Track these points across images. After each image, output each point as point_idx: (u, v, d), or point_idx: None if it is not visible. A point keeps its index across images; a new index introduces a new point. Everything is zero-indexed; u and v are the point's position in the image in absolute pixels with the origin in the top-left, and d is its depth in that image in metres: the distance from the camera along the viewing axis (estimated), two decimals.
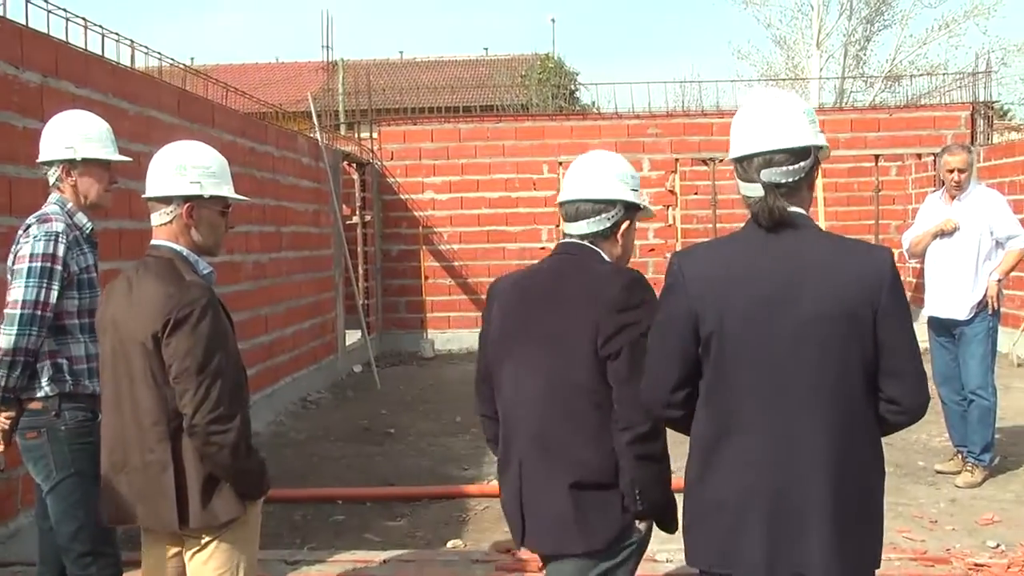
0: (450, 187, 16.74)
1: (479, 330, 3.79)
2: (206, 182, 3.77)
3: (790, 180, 3.02)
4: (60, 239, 4.28)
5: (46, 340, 4.28)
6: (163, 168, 3.76)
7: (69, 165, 4.39)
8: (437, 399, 11.78)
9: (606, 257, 3.57)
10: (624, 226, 3.62)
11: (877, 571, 3.09)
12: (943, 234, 7.77)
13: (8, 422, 4.28)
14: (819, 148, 3.06)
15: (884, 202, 17.21)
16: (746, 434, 3.00)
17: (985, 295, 7.70)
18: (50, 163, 4.39)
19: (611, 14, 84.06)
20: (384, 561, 5.77)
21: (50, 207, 4.39)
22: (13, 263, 4.28)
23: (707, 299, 3.02)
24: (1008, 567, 5.70)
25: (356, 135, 17.58)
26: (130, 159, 4.67)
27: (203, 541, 3.72)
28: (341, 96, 24.30)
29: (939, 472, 7.94)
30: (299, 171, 12.27)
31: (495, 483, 7.87)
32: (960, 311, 7.61)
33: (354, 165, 15.80)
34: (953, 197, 7.83)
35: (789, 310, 2.94)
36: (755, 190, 3.03)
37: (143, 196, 3.80)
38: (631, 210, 3.63)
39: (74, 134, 4.41)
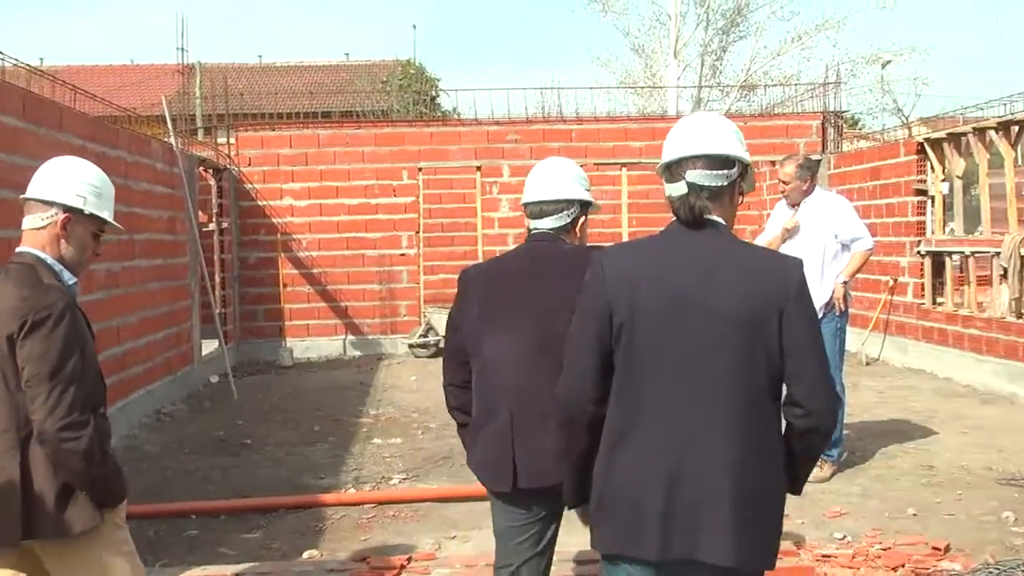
0: (309, 193, 16.60)
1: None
2: (90, 199, 3.79)
3: (713, 184, 3.20)
4: None
5: None
6: (52, 174, 3.77)
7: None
8: (295, 408, 11.66)
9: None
10: (581, 221, 4.19)
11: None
12: (788, 234, 8.04)
13: None
14: (745, 165, 3.28)
15: (740, 208, 17.50)
16: (649, 426, 3.13)
17: (832, 296, 7.95)
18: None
19: (472, 21, 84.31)
20: (236, 575, 5.69)
21: None
22: None
23: (621, 293, 3.17)
24: (853, 557, 5.89)
25: (213, 140, 17.34)
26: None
27: (62, 554, 3.64)
28: (198, 100, 23.91)
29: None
30: (153, 177, 12.03)
31: (352, 492, 7.88)
32: None
33: (210, 171, 15.55)
34: (795, 204, 8.16)
35: (698, 307, 3.10)
36: (679, 189, 3.21)
37: (22, 197, 3.77)
38: (585, 207, 4.19)
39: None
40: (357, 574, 5.68)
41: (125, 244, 10.78)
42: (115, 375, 10.28)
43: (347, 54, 42.64)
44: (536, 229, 4.19)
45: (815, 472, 7.77)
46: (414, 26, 43.81)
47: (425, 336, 16.23)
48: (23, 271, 3.68)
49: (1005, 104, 12.33)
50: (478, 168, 16.89)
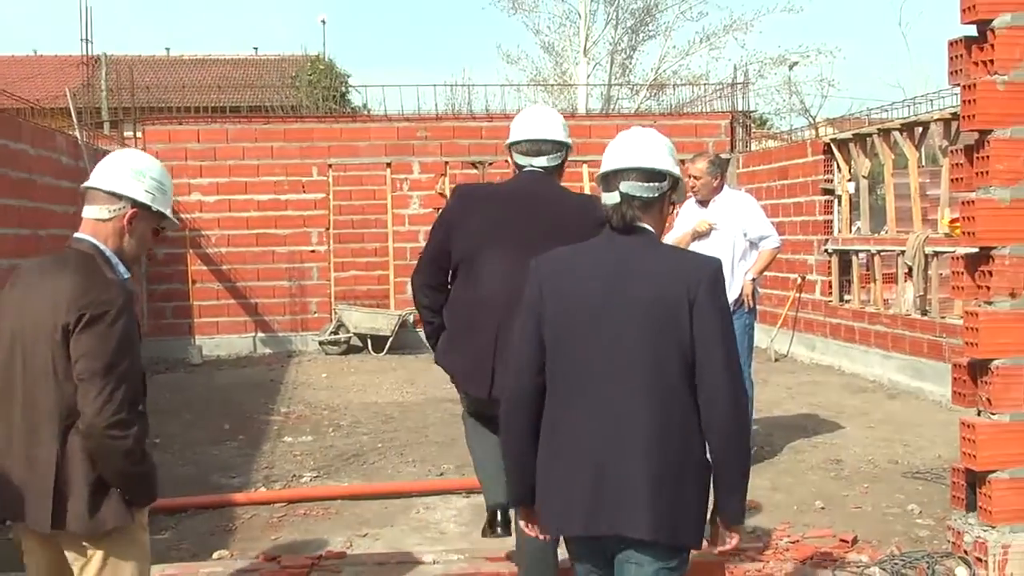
0: (217, 189, 16.40)
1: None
2: (157, 196, 3.84)
3: (643, 195, 3.47)
4: None
5: None
6: (121, 167, 3.81)
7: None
8: (205, 406, 11.51)
9: None
10: (564, 165, 4.87)
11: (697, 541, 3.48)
12: (699, 236, 8.11)
13: None
14: (676, 179, 3.55)
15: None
16: (575, 413, 3.42)
17: (741, 293, 8.05)
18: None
19: (381, 16, 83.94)
20: None
21: None
22: None
23: (549, 291, 3.50)
24: (763, 550, 5.95)
25: (119, 134, 17.04)
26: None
27: (87, 549, 3.64)
28: (103, 93, 23.52)
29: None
30: (58, 171, 11.81)
31: (263, 490, 7.81)
32: None
33: None
34: (705, 203, 8.23)
35: (615, 302, 3.38)
36: (613, 198, 3.48)
37: (85, 185, 3.81)
38: (568, 153, 4.90)
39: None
40: (268, 574, 5.62)
41: (29, 240, 10.56)
42: None
43: (256, 48, 42.35)
44: (531, 166, 4.83)
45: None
46: (323, 21, 43.51)
47: (336, 333, 16.12)
48: (82, 259, 3.68)
49: (909, 106, 12.57)
50: (388, 165, 16.82)
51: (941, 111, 11.45)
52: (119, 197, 3.75)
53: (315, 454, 9.13)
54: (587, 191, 16.94)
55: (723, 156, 11.35)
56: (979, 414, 5.22)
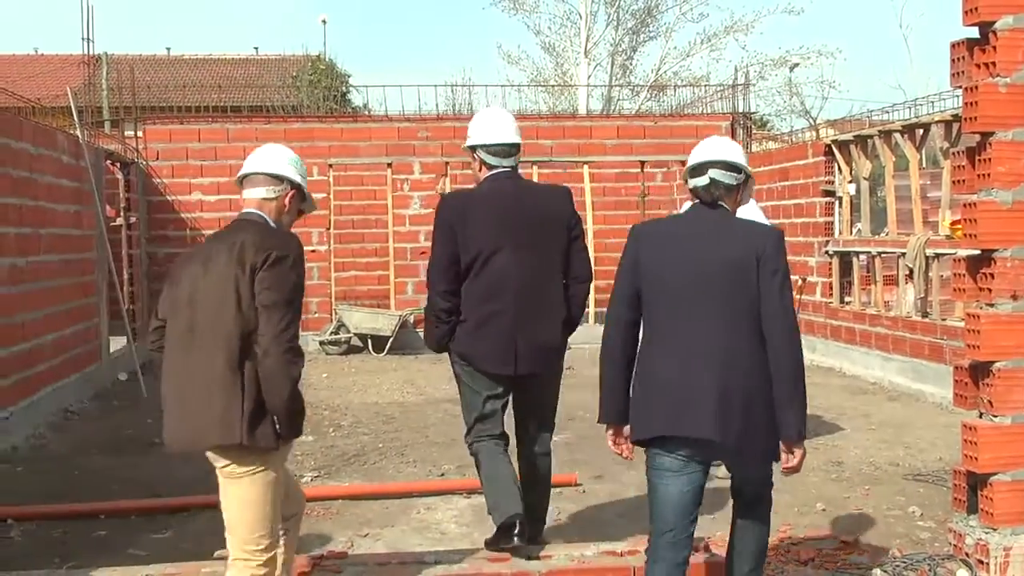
0: (218, 188, 16.42)
1: (443, 234, 5.48)
2: (304, 180, 4.66)
3: (726, 182, 4.51)
4: None
5: None
6: (280, 156, 4.63)
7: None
8: None
9: None
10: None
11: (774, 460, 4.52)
12: None
13: None
14: (748, 176, 4.62)
15: (650, 207, 17.70)
16: (663, 342, 4.41)
17: None
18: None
19: (383, 16, 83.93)
20: (147, 575, 5.61)
21: None
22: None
23: (648, 250, 4.50)
24: None
25: (120, 133, 17.06)
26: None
27: (237, 463, 4.27)
28: (104, 92, 23.52)
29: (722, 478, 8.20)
30: (59, 170, 11.79)
31: None
32: None
33: (118, 164, 15.30)
34: None
35: (700, 258, 4.37)
36: (703, 181, 4.51)
37: (248, 171, 4.58)
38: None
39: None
40: None
41: (30, 239, 10.57)
42: (20, 373, 10.07)
43: (256, 48, 42.37)
44: (502, 167, 5.64)
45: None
46: (324, 21, 43.42)
47: (336, 333, 16.14)
48: (260, 223, 4.46)
49: (910, 107, 12.57)
50: (389, 165, 16.84)
51: (942, 113, 11.46)
52: (281, 180, 4.55)
53: (316, 454, 9.13)
54: (587, 191, 16.96)
55: None
56: (980, 416, 5.22)
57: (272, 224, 4.48)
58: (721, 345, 4.27)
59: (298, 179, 4.57)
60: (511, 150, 5.63)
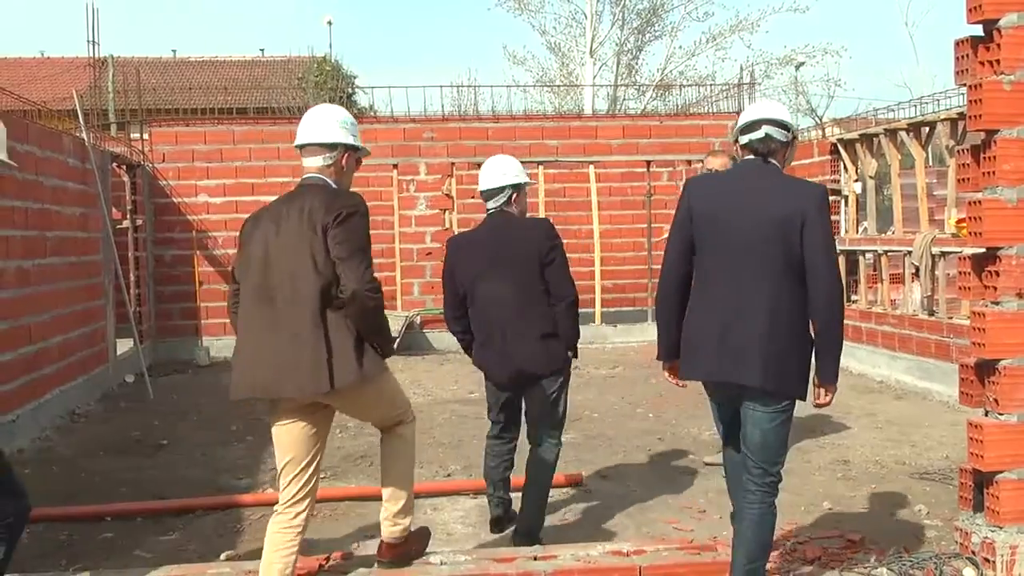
0: (224, 190, 16.43)
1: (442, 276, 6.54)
2: (356, 136, 5.11)
3: (778, 138, 4.92)
4: None
5: None
6: (329, 122, 5.05)
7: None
8: (212, 408, 11.52)
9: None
10: (515, 197, 6.40)
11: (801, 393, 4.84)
12: None
13: None
14: (795, 136, 5.07)
15: (656, 206, 17.70)
16: (713, 292, 4.85)
17: None
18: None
19: (388, 17, 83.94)
20: None
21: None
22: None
23: (700, 203, 4.94)
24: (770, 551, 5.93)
25: (126, 136, 17.07)
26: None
27: (358, 394, 4.87)
28: (110, 95, 23.56)
29: (708, 464, 8.22)
30: (65, 173, 11.82)
31: (270, 491, 7.81)
32: None
33: (124, 167, 15.32)
34: None
35: (750, 212, 4.75)
36: (759, 135, 4.91)
37: (300, 142, 5.05)
38: (517, 188, 6.41)
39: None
40: None
41: (37, 241, 10.59)
42: (27, 375, 10.09)
43: (262, 50, 42.28)
44: (489, 209, 6.41)
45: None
46: (329, 22, 43.25)
47: None
48: (323, 186, 4.98)
49: (916, 106, 12.54)
50: (395, 166, 16.84)
51: (948, 111, 11.44)
52: (335, 146, 5.01)
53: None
54: (593, 191, 16.95)
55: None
56: (986, 414, 5.22)
57: (334, 185, 5.01)
58: (765, 296, 4.69)
59: (350, 140, 5.05)
60: (494, 193, 6.36)
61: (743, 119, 5.01)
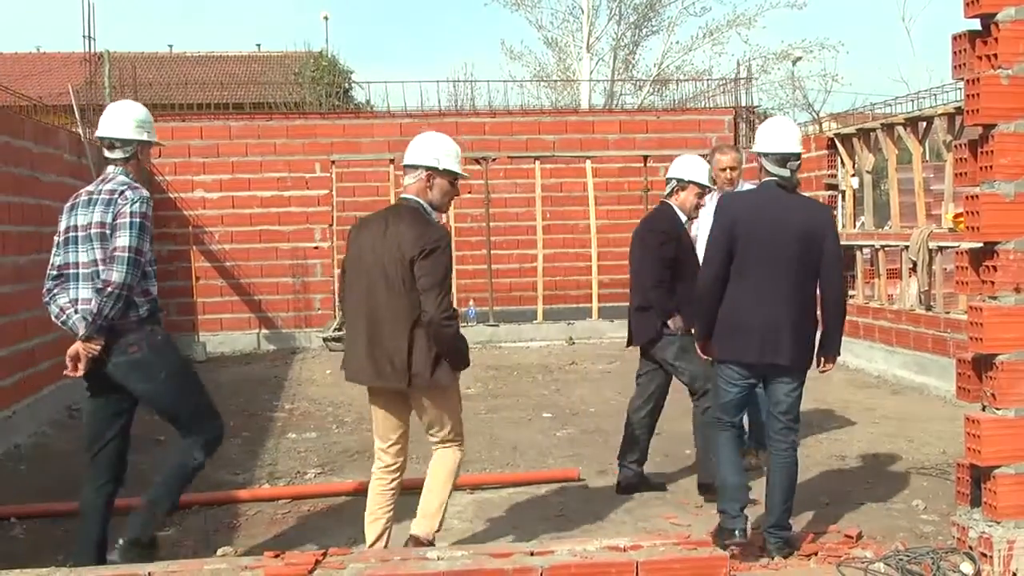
0: (220, 186, 16.42)
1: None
2: (443, 159, 5.73)
3: (797, 169, 6.10)
4: (150, 202, 5.68)
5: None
6: (417, 145, 5.79)
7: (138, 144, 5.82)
8: None
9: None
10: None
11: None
12: None
13: (98, 349, 5.45)
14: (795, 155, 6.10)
15: (653, 201, 17.57)
16: (751, 291, 5.91)
17: None
18: (120, 141, 5.78)
19: (385, 12, 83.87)
20: (149, 573, 5.59)
21: (120, 178, 5.67)
22: (114, 219, 5.48)
23: (740, 218, 5.97)
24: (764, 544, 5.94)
25: None
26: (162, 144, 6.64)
27: (426, 398, 5.73)
28: (106, 90, 23.48)
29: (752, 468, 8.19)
30: (61, 168, 11.80)
31: (266, 487, 7.82)
32: None
33: None
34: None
35: (782, 228, 5.88)
36: (784, 172, 6.04)
37: (403, 164, 5.83)
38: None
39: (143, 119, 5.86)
40: (272, 570, 5.61)
41: (32, 237, 10.56)
42: (24, 371, 10.07)
43: (259, 45, 42.28)
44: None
45: (754, 460, 7.90)
46: (326, 17, 43.14)
47: (340, 330, 16.11)
48: (411, 212, 5.68)
49: (912, 100, 12.56)
50: (391, 161, 16.81)
51: (945, 105, 11.44)
52: (415, 167, 5.73)
53: (319, 450, 9.13)
54: (590, 186, 16.93)
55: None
56: (984, 409, 5.21)
57: (424, 206, 5.71)
58: (794, 294, 5.87)
59: (430, 163, 5.71)
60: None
61: (773, 145, 6.03)
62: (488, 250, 16.69)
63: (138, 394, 5.67)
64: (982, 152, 5.11)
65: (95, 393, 5.68)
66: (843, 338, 6.68)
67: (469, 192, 17.72)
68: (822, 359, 6.12)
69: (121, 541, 5.66)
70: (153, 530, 5.83)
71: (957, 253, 5.41)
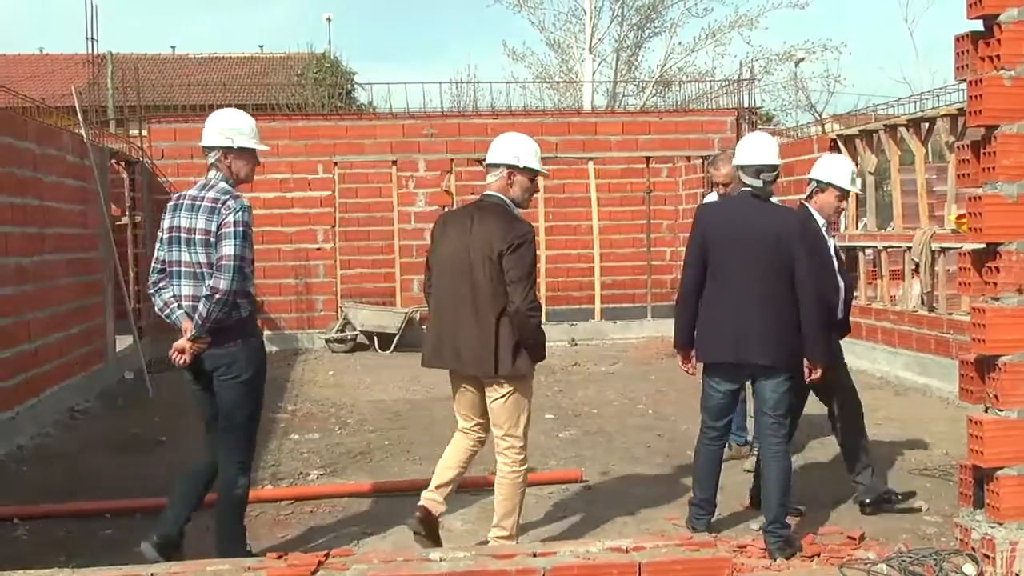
0: None
1: None
2: (523, 157, 6.04)
3: (771, 180, 6.32)
4: (250, 209, 5.93)
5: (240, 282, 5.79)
6: (497, 146, 6.11)
7: (226, 151, 5.97)
8: None
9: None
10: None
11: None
12: None
13: (205, 347, 5.84)
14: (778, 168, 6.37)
15: (656, 202, 17.71)
16: (724, 296, 6.15)
17: None
18: (211, 148, 5.96)
19: (387, 14, 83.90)
20: (152, 574, 5.59)
21: (221, 185, 5.94)
22: (219, 228, 5.77)
23: (712, 226, 6.28)
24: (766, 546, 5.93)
25: (125, 132, 17.06)
26: (267, 147, 6.54)
27: (505, 384, 5.98)
28: (109, 91, 23.53)
29: (748, 471, 8.17)
30: (63, 169, 11.80)
31: (269, 488, 7.81)
32: None
33: (123, 163, 15.30)
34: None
35: (750, 234, 6.09)
36: (757, 183, 6.29)
37: (485, 162, 6.20)
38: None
39: (228, 127, 6.00)
40: (274, 571, 5.61)
41: (35, 238, 10.57)
42: (26, 372, 10.08)
43: (261, 46, 42.23)
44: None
45: (754, 462, 7.86)
46: (328, 19, 43.09)
47: (342, 331, 16.14)
48: (497, 207, 6.03)
49: (915, 102, 12.54)
50: (394, 162, 16.83)
51: (947, 107, 11.43)
52: (497, 166, 6.06)
53: (322, 452, 9.13)
54: (593, 187, 16.94)
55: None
56: (986, 410, 5.21)
57: (507, 202, 6.04)
58: (767, 296, 6.02)
59: (510, 161, 6.03)
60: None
61: (747, 158, 6.32)
62: None
63: (216, 384, 5.96)
64: (985, 153, 5.11)
65: (196, 379, 6.08)
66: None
67: (471, 193, 17.72)
68: (807, 362, 6.18)
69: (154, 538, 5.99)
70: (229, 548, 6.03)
71: (960, 254, 5.40)
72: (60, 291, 11.33)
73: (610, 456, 8.56)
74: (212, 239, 5.80)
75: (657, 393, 11.54)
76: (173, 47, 41.06)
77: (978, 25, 5.10)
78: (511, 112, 17.79)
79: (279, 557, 5.77)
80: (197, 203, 5.89)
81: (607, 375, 13.33)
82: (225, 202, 5.82)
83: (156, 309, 6.08)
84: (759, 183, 6.26)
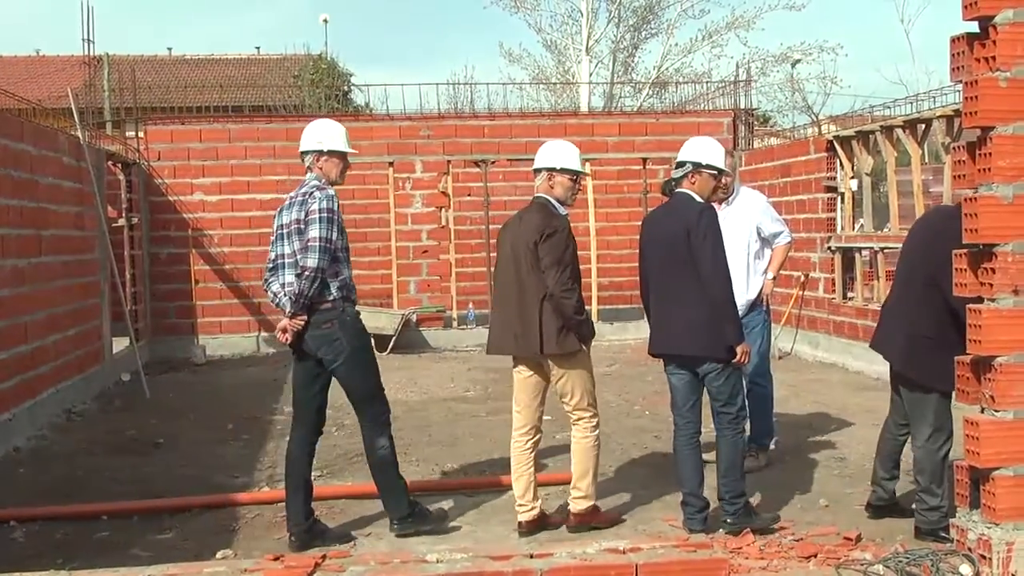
0: (220, 188, 16.41)
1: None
2: (561, 160, 6.74)
3: (676, 175, 6.78)
4: (335, 198, 6.64)
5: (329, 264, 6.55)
6: (540, 153, 6.82)
7: (318, 154, 6.75)
8: (208, 406, 11.52)
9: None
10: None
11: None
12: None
13: (302, 324, 6.58)
14: (696, 164, 6.66)
15: (652, 203, 17.63)
16: (655, 292, 6.77)
17: (760, 293, 8.05)
18: (307, 152, 6.76)
19: (384, 15, 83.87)
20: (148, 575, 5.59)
21: (312, 182, 6.72)
22: (306, 216, 6.53)
23: (641, 233, 6.93)
24: (765, 548, 5.93)
25: (121, 134, 17.05)
26: (356, 151, 7.50)
27: (561, 363, 6.62)
28: (106, 93, 23.52)
29: (709, 462, 8.19)
30: (60, 171, 11.79)
31: (266, 490, 7.81)
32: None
33: (119, 165, 15.29)
34: (721, 201, 8.05)
35: (658, 233, 6.70)
36: (667, 180, 6.93)
37: (540, 166, 6.82)
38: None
39: (320, 133, 6.80)
40: (271, 573, 5.61)
41: (32, 240, 10.56)
42: (23, 374, 10.07)
43: (258, 48, 42.25)
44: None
45: (752, 462, 7.86)
46: (325, 20, 43.03)
47: None
48: (540, 206, 6.72)
49: (911, 103, 12.55)
50: (391, 164, 16.83)
51: (944, 108, 11.44)
52: (539, 170, 6.79)
53: (319, 453, 9.05)
54: (590, 188, 16.94)
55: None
56: (983, 411, 5.22)
57: (552, 202, 6.71)
58: (683, 291, 6.50)
59: (550, 164, 6.73)
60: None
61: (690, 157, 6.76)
62: (487, 252, 16.68)
63: (327, 364, 6.69)
64: (980, 154, 5.12)
65: (299, 359, 6.82)
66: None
67: (468, 194, 17.76)
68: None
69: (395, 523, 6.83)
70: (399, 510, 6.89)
71: (956, 255, 5.41)
72: (57, 293, 11.32)
73: (607, 457, 8.55)
74: (302, 227, 6.56)
75: (654, 394, 11.53)
76: (170, 49, 41.04)
77: (974, 27, 5.11)
78: (508, 114, 17.79)
79: (276, 559, 5.77)
80: (293, 201, 6.73)
81: (604, 376, 13.30)
82: (311, 194, 6.60)
83: (269, 300, 7.01)
84: (667, 179, 6.99)
